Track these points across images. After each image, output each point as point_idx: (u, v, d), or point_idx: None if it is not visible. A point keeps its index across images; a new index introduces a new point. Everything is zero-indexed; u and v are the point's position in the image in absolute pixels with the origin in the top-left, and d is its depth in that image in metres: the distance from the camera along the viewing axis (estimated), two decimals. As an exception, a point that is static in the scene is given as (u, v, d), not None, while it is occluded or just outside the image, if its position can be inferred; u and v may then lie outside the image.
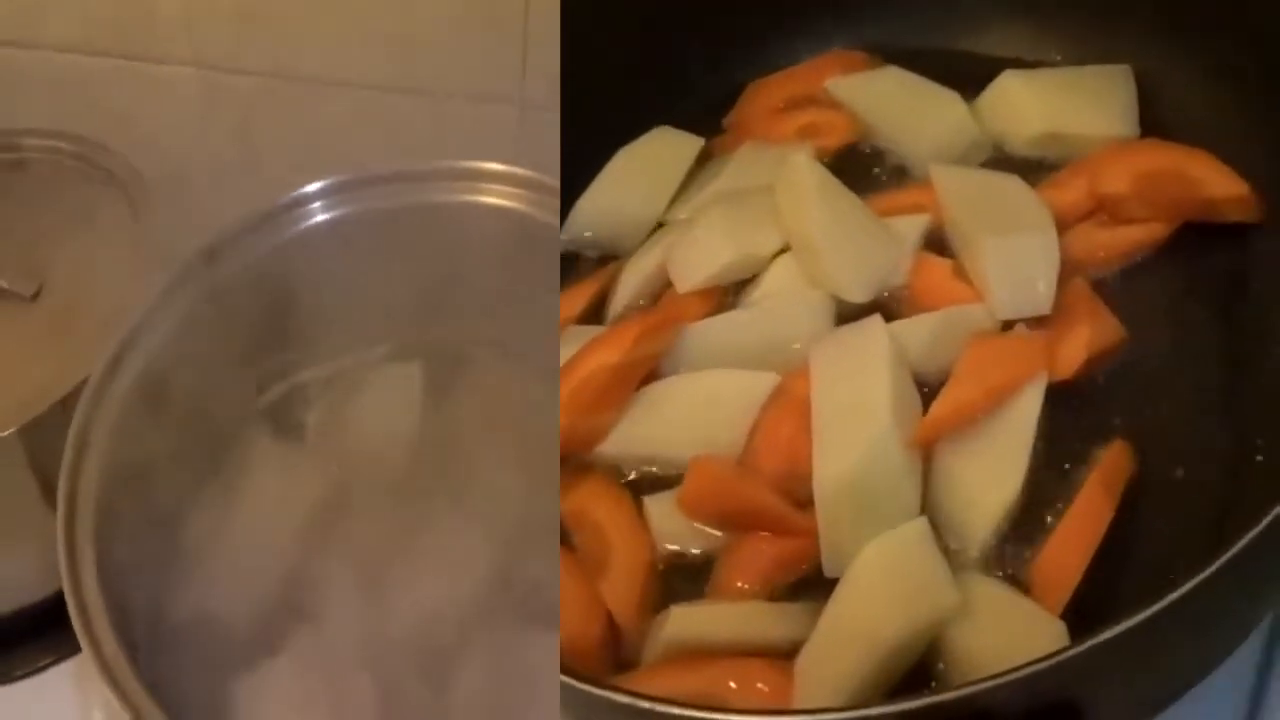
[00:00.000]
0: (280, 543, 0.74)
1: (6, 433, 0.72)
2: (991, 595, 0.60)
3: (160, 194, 0.82)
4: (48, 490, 0.68)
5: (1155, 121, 0.73)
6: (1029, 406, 0.64)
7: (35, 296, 0.79)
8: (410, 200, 0.78)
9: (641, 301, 0.74)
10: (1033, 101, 0.76)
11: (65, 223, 0.83)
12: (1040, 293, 0.66)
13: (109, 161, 0.84)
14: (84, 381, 0.71)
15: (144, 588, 0.70)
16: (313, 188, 0.77)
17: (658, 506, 0.67)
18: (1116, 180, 0.70)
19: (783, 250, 0.72)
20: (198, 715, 0.68)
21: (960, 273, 0.69)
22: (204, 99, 0.92)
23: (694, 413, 0.68)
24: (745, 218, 0.72)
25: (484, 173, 0.77)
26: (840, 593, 0.61)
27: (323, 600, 0.72)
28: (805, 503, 0.64)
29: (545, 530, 0.68)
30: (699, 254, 0.72)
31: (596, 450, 0.68)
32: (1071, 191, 0.71)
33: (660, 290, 0.74)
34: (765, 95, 0.81)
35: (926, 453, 0.64)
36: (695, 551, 0.66)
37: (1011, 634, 0.58)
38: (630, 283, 0.74)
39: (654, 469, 0.68)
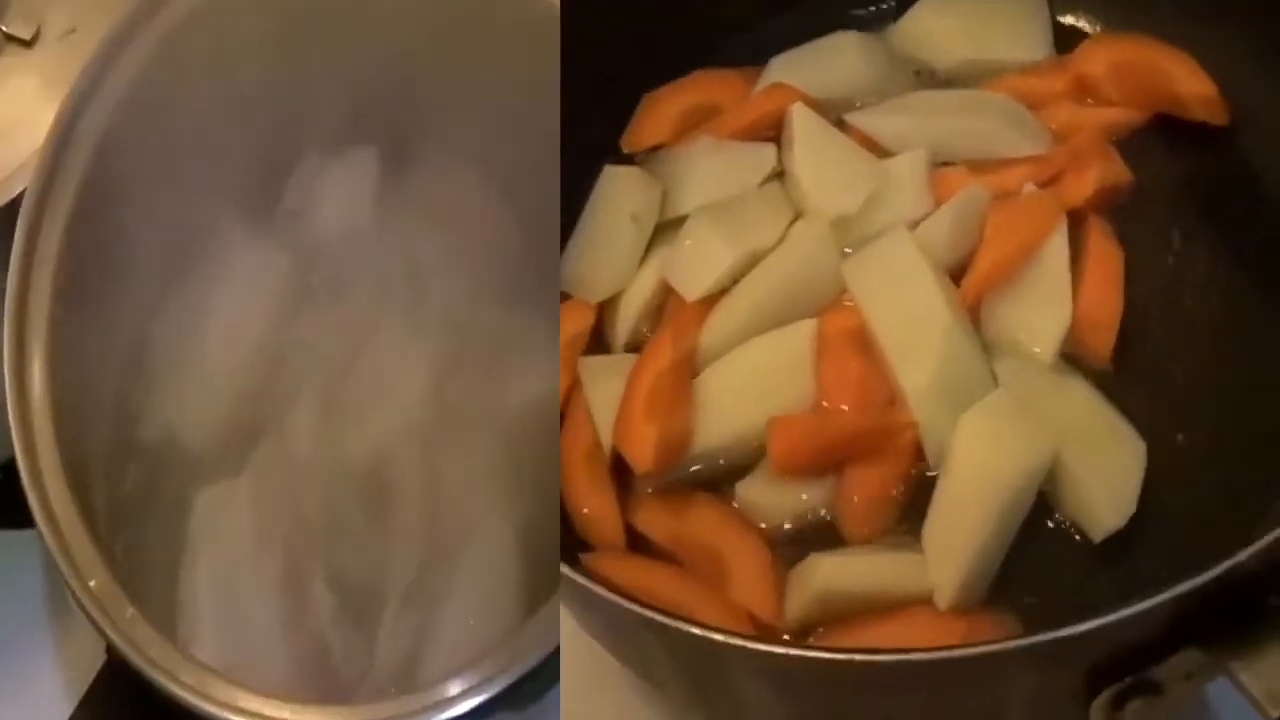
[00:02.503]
0: (242, 354, 0.74)
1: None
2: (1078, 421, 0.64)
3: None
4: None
5: (1141, 19, 0.75)
6: (1058, 249, 0.68)
7: (33, 41, 0.79)
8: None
9: (644, 328, 0.73)
10: (950, 29, 0.78)
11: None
12: None
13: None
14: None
15: (103, 413, 0.70)
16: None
17: (749, 490, 0.67)
18: (1095, 64, 0.74)
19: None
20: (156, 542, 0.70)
21: (975, 168, 0.72)
22: None
23: (754, 385, 0.68)
24: (736, 219, 0.73)
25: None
26: (949, 466, 0.62)
27: (282, 416, 0.73)
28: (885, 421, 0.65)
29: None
30: (700, 263, 0.72)
31: (686, 457, 0.67)
32: (1050, 75, 0.75)
33: (659, 309, 0.73)
34: (666, 107, 0.79)
35: (974, 318, 0.67)
36: (795, 524, 0.66)
37: (1103, 458, 0.63)
38: (632, 307, 0.73)
39: (720, 462, 0.68)
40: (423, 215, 0.79)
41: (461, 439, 0.73)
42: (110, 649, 0.63)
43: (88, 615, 0.63)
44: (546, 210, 0.74)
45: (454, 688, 0.59)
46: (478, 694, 0.59)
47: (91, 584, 0.63)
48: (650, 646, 0.58)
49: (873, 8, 0.81)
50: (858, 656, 0.51)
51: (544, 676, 0.59)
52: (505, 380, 0.74)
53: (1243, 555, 0.50)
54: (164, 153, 0.73)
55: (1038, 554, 0.62)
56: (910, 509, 0.64)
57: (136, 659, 0.61)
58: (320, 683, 0.69)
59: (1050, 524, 0.63)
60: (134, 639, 0.62)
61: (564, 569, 0.57)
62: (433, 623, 0.69)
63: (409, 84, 0.78)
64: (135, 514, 0.72)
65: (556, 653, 0.59)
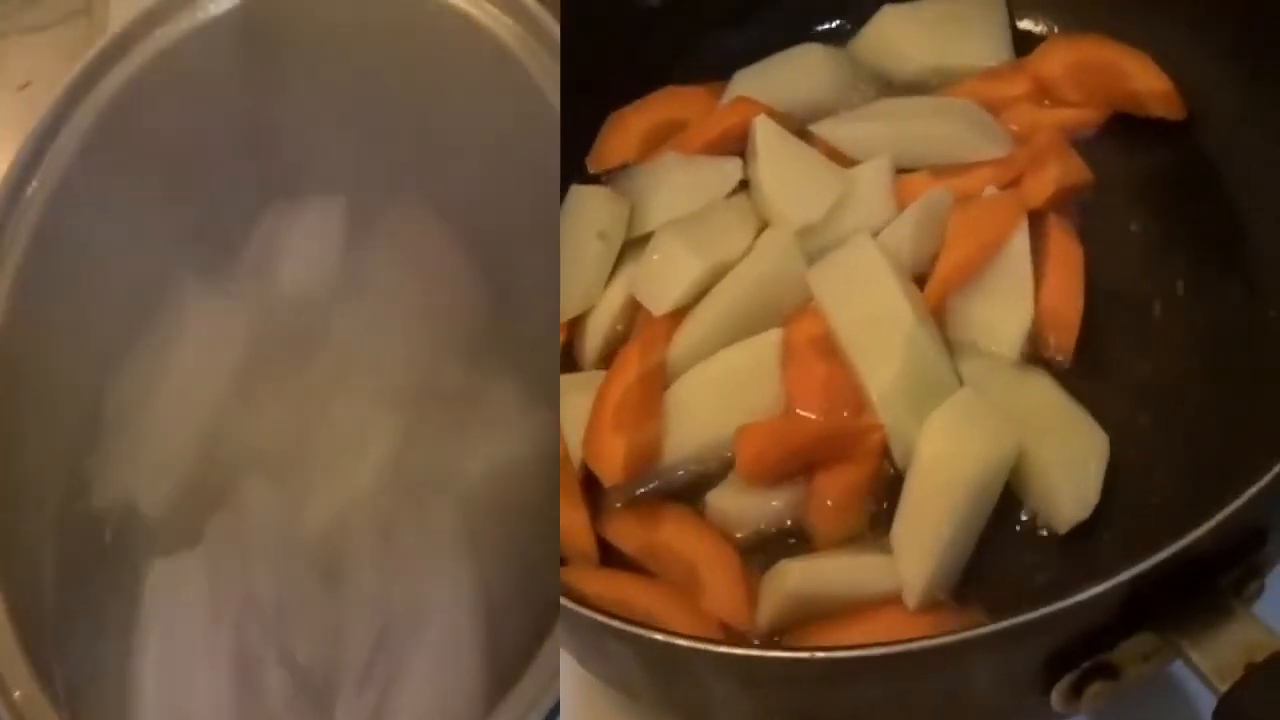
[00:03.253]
0: (199, 417, 0.72)
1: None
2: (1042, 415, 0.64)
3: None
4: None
5: (1098, 21, 0.76)
6: (1019, 248, 0.69)
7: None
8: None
9: (613, 344, 0.74)
10: (912, 37, 0.79)
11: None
12: None
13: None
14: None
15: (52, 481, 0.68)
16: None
17: (719, 499, 0.67)
18: (1053, 66, 0.75)
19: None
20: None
21: (937, 173, 0.73)
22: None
23: (722, 395, 0.69)
24: (702, 233, 0.73)
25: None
26: (916, 465, 0.63)
27: (237, 485, 0.70)
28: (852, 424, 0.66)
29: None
30: (667, 277, 0.72)
31: (655, 468, 0.68)
32: (1010, 78, 0.76)
33: (628, 325, 0.74)
34: (631, 125, 0.80)
35: (939, 319, 0.67)
36: (765, 532, 0.66)
37: (1066, 451, 0.63)
38: (600, 324, 0.74)
39: (681, 474, 0.68)
40: (389, 270, 0.77)
41: (421, 509, 0.71)
42: None
43: None
44: (521, 267, 0.73)
45: None
46: None
47: (16, 695, 0.61)
48: (620, 655, 0.58)
49: (834, 22, 0.82)
50: (819, 654, 0.52)
51: None
52: (468, 446, 0.72)
53: (1191, 537, 0.50)
54: (118, 206, 0.72)
55: (1003, 550, 0.63)
56: (879, 512, 0.64)
57: None
58: None
59: (1015, 520, 0.63)
60: None
61: None
62: (391, 703, 0.67)
63: (377, 134, 0.76)
64: (85, 589, 0.70)
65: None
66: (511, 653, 0.62)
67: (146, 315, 0.75)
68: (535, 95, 0.69)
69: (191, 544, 0.71)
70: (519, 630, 0.62)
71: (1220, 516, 0.49)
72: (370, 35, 0.74)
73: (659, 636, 0.53)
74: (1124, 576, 0.48)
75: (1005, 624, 0.49)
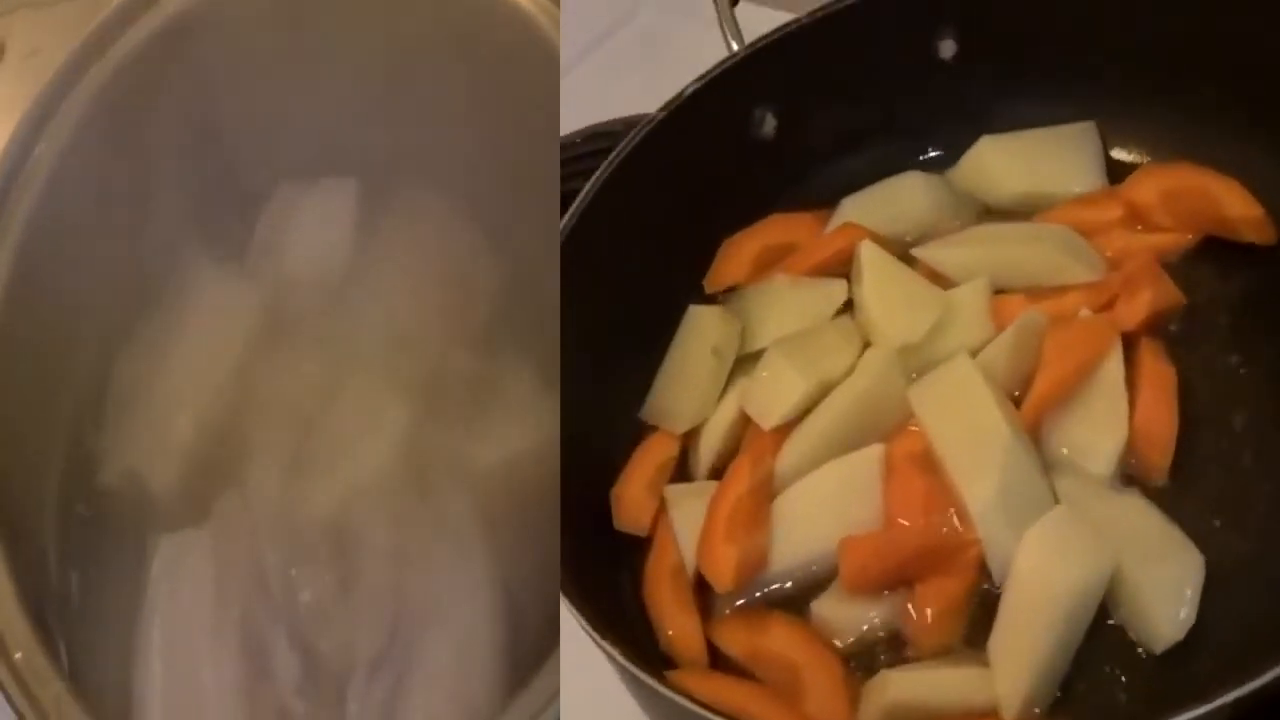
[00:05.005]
0: (207, 397, 0.70)
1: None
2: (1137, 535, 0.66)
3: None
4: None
5: (1189, 149, 0.79)
6: (1114, 369, 0.71)
7: None
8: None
9: (726, 456, 0.77)
10: (1009, 165, 0.83)
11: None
12: None
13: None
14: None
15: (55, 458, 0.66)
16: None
17: (823, 607, 0.70)
18: (1146, 192, 0.78)
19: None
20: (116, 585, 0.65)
21: (1033, 295, 0.76)
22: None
23: (826, 507, 0.72)
24: (808, 352, 0.77)
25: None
26: (1013, 580, 0.65)
27: (247, 465, 0.69)
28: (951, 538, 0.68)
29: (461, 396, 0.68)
30: (775, 393, 0.76)
31: (763, 576, 0.71)
32: (1104, 204, 0.79)
33: (739, 438, 0.77)
34: (743, 249, 0.84)
35: (1035, 438, 0.70)
36: (866, 640, 0.69)
37: (1162, 572, 0.65)
38: (713, 437, 0.78)
39: (795, 582, 0.71)
40: (401, 253, 0.76)
41: (433, 494, 0.70)
42: None
43: (5, 694, 0.59)
44: (534, 252, 0.72)
45: None
46: None
47: (17, 655, 0.60)
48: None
49: (935, 152, 0.86)
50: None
51: None
52: (484, 433, 0.71)
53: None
54: (123, 181, 0.71)
55: (1100, 667, 0.64)
56: (976, 624, 0.67)
57: None
58: None
59: (1112, 635, 0.65)
60: None
61: (656, 685, 0.60)
62: (404, 694, 0.66)
63: (393, 112, 0.75)
64: (90, 565, 0.69)
65: None
66: (529, 643, 0.63)
67: (153, 292, 0.74)
68: (547, 62, 0.68)
69: (198, 522, 0.70)
70: (536, 620, 0.63)
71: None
72: (380, 14, 0.74)
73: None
74: (1225, 699, 0.51)
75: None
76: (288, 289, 0.76)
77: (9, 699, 0.59)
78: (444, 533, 0.69)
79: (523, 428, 0.71)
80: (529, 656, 0.59)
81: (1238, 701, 0.53)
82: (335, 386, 0.73)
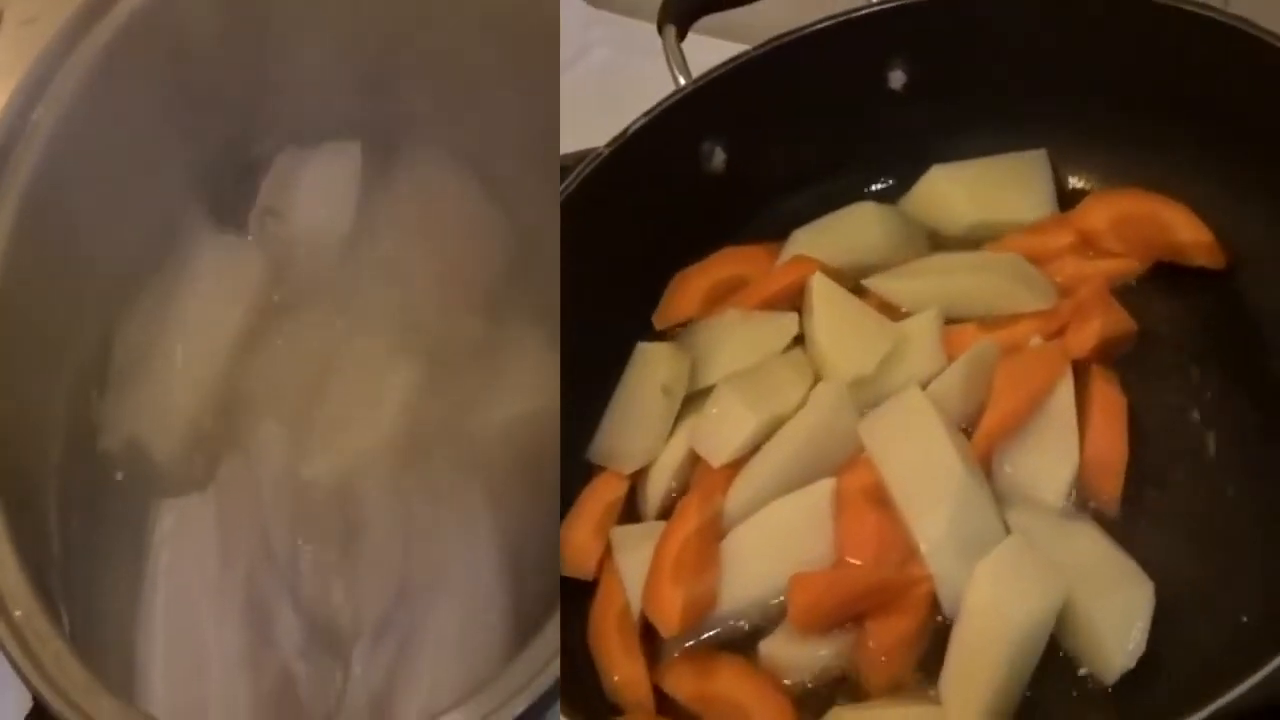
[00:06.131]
0: (211, 361, 0.70)
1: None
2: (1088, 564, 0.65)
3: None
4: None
5: (1139, 176, 0.78)
6: (1065, 397, 0.71)
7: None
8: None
9: (675, 494, 0.76)
10: (960, 194, 0.82)
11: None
12: None
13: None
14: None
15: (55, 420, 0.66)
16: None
17: (772, 647, 0.68)
18: (1097, 219, 0.78)
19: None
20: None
21: (985, 324, 0.75)
22: None
23: (776, 544, 0.70)
24: (759, 387, 0.76)
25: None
26: (963, 615, 0.64)
27: (250, 430, 0.69)
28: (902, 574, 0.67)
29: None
30: (725, 430, 0.75)
31: (711, 617, 0.69)
32: (1055, 231, 0.78)
33: (689, 476, 0.76)
34: (694, 283, 0.83)
35: (986, 468, 0.69)
36: (817, 679, 0.67)
37: (1113, 602, 0.64)
38: (662, 476, 0.76)
39: (742, 624, 0.70)
40: (407, 216, 0.76)
41: (441, 460, 0.70)
42: (34, 696, 0.58)
43: (5, 652, 0.58)
44: (539, 215, 0.72)
45: None
46: None
47: (17, 614, 0.59)
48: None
49: (887, 182, 0.85)
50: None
51: (538, 715, 0.57)
52: (489, 398, 0.71)
53: (1237, 692, 0.51)
54: (123, 147, 0.70)
55: (1053, 698, 0.63)
56: (929, 658, 0.65)
57: (59, 705, 0.57)
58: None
59: (1063, 667, 0.64)
60: (58, 681, 0.57)
61: None
62: (408, 657, 0.66)
63: (396, 75, 0.75)
64: (94, 528, 0.69)
65: (552, 691, 0.57)
66: (531, 607, 0.62)
67: (155, 258, 0.74)
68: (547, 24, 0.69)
69: (201, 487, 0.70)
70: (538, 584, 0.63)
71: (1267, 670, 0.50)
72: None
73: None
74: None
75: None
76: (291, 254, 0.76)
77: (9, 656, 0.58)
78: (448, 497, 0.68)
79: (526, 391, 0.71)
80: (532, 619, 0.58)
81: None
82: (339, 352, 0.73)
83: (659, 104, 0.81)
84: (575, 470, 0.77)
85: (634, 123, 0.81)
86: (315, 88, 0.76)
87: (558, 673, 0.57)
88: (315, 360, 0.73)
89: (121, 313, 0.74)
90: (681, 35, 0.86)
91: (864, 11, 0.82)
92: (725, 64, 0.82)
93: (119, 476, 0.71)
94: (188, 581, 0.68)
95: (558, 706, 0.59)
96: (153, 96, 0.72)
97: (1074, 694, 0.63)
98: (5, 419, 0.65)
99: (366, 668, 0.66)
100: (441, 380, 0.72)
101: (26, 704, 0.61)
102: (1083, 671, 0.64)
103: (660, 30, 0.85)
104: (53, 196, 0.69)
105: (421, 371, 0.72)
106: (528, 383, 0.71)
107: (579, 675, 0.69)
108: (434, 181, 0.77)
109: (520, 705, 0.55)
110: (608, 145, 0.80)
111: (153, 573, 0.68)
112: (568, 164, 0.84)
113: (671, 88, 0.83)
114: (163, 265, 0.75)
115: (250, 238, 0.77)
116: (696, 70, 0.83)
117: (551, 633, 0.58)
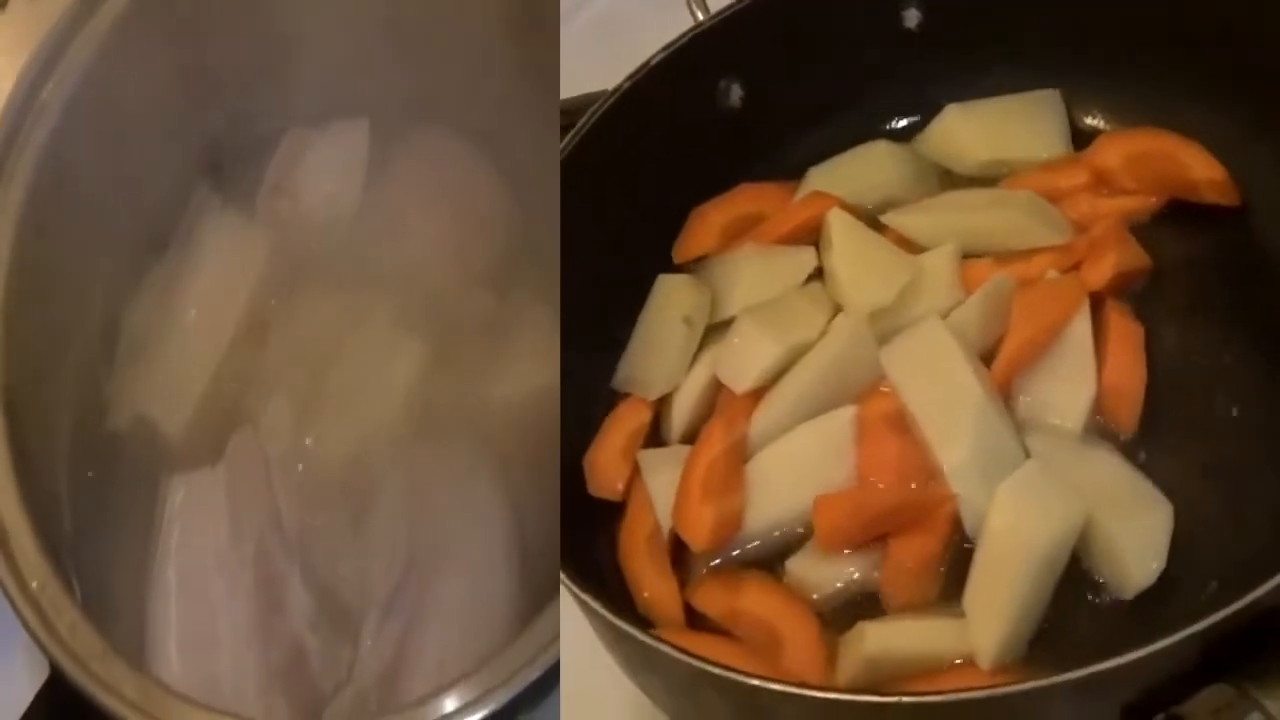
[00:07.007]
0: (220, 338, 0.71)
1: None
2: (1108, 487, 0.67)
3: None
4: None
5: (1152, 114, 0.80)
6: (1082, 328, 0.73)
7: (3, 5, 0.76)
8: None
9: (698, 421, 0.77)
10: (975, 133, 0.84)
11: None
12: None
13: None
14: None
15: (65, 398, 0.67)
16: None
17: (798, 565, 0.71)
18: (1111, 157, 0.79)
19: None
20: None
21: (1001, 259, 0.77)
22: None
23: (800, 468, 0.72)
24: (780, 318, 0.78)
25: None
26: (986, 534, 0.66)
27: (260, 406, 0.69)
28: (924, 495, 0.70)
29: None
30: (747, 359, 0.77)
31: (739, 536, 0.72)
32: (1069, 170, 0.80)
33: (711, 403, 0.78)
34: (712, 219, 0.85)
35: (1006, 395, 0.71)
36: (842, 596, 0.70)
37: (1133, 522, 0.66)
38: (686, 402, 0.78)
39: (761, 543, 0.72)
40: (414, 193, 0.77)
41: (449, 437, 0.71)
42: (52, 663, 0.59)
43: (23, 622, 0.59)
44: (545, 190, 0.72)
45: (449, 703, 0.57)
46: (474, 710, 0.56)
47: (33, 585, 0.60)
48: (711, 703, 0.61)
49: (902, 121, 0.87)
50: (905, 699, 0.56)
51: (543, 691, 0.58)
52: (497, 374, 0.72)
53: (1260, 591, 0.53)
54: (132, 123, 0.71)
55: (1074, 615, 0.66)
56: (950, 578, 0.68)
57: (75, 672, 0.58)
58: (293, 691, 0.67)
59: (1086, 587, 0.66)
60: (74, 649, 0.59)
61: (635, 632, 0.60)
62: (417, 631, 0.67)
63: (403, 52, 0.76)
64: (103, 505, 0.70)
65: (556, 667, 0.59)
66: (538, 582, 0.63)
67: (163, 235, 0.75)
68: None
69: (212, 461, 0.71)
70: (545, 560, 0.63)
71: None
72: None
73: (754, 681, 0.57)
74: (1196, 628, 0.52)
75: (1080, 673, 0.53)
76: (299, 231, 0.76)
77: (26, 625, 0.59)
78: (457, 472, 0.69)
79: (534, 365, 0.71)
80: (538, 594, 0.60)
81: (1207, 630, 0.54)
82: (348, 327, 0.73)
83: (678, 38, 0.82)
84: (601, 398, 0.78)
85: (653, 57, 0.82)
86: (322, 65, 0.77)
87: (558, 654, 0.58)
88: (323, 337, 0.75)
89: (130, 290, 0.75)
90: (699, -29, 0.87)
91: (880, -51, 0.83)
92: (742, 1, 0.83)
93: (129, 454, 0.72)
94: (199, 556, 0.69)
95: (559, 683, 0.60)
96: (160, 75, 0.73)
97: (1096, 610, 0.65)
98: (17, 396, 0.66)
99: (375, 641, 0.68)
100: (449, 356, 0.73)
101: (42, 674, 0.62)
102: (1104, 588, 0.66)
103: (680, -36, 0.86)
104: (62, 175, 0.70)
105: (429, 347, 0.73)
106: (533, 357, 0.73)
107: (610, 594, 0.70)
108: (441, 159, 0.78)
109: (525, 680, 0.57)
110: (627, 79, 0.81)
111: (164, 548, 0.69)
112: (569, 108, 0.85)
113: (688, 25, 0.84)
114: (171, 243, 0.76)
115: (258, 216, 0.78)
116: (714, 7, 0.84)
117: (555, 609, 0.59)
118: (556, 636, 0.58)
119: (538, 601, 0.60)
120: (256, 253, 0.76)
